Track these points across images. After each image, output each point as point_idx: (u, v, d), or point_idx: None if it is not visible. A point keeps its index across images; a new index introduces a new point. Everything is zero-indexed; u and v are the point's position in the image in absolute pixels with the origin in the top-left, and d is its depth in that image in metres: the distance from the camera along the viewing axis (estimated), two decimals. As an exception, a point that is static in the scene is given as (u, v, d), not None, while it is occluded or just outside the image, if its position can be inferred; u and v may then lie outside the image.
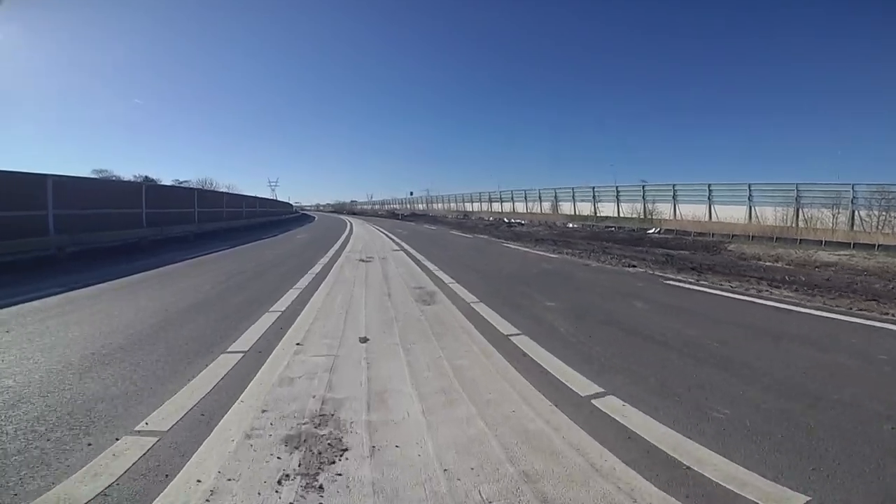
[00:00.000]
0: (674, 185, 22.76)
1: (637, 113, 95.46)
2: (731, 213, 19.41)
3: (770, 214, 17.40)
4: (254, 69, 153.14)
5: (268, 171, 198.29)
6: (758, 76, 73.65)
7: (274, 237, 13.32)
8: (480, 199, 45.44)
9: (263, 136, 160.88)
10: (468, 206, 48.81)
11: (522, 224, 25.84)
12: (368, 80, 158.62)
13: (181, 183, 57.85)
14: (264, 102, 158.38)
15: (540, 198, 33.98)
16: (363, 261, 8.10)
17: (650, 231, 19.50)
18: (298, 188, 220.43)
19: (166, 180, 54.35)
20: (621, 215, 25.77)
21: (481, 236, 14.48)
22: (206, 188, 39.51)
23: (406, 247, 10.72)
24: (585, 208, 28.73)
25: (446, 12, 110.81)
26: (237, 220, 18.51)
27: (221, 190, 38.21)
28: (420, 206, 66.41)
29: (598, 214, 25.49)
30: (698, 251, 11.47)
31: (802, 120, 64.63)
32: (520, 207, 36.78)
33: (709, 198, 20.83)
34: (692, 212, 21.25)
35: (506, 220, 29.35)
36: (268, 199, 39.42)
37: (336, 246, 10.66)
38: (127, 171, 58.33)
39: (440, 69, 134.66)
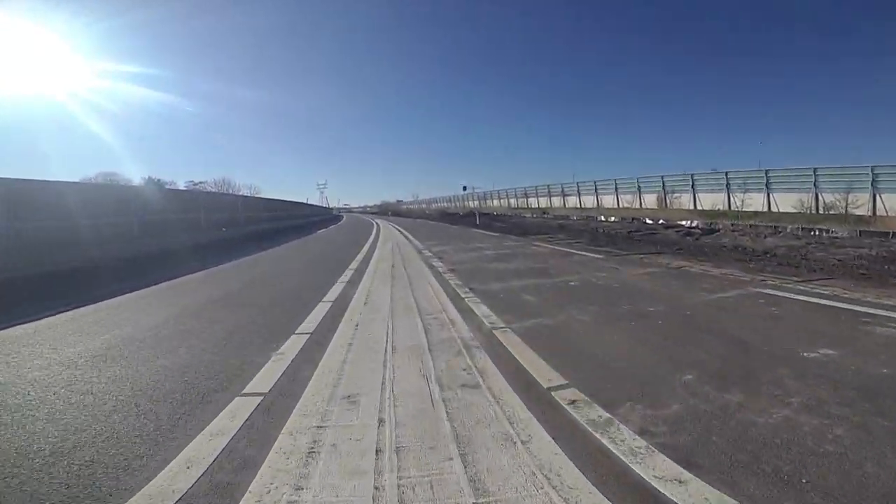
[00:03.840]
0: (872, 168, 16.55)
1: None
2: None
3: None
4: (294, 70, 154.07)
5: (317, 174, 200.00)
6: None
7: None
8: (550, 192, 39.96)
9: (313, 142, 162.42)
10: (532, 202, 43.54)
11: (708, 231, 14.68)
12: (414, 81, 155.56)
13: (196, 185, 55.12)
14: (313, 106, 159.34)
15: (639, 189, 28.26)
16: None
17: None
18: (348, 189, 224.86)
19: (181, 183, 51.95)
20: (773, 209, 19.79)
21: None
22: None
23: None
24: (708, 201, 22.84)
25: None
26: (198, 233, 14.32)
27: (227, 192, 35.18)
28: (471, 203, 61.75)
29: (741, 209, 19.62)
30: None
31: None
32: (607, 202, 31.14)
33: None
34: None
35: (649, 220, 22.45)
36: (277, 201, 34.14)
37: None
38: (137, 173, 55.65)
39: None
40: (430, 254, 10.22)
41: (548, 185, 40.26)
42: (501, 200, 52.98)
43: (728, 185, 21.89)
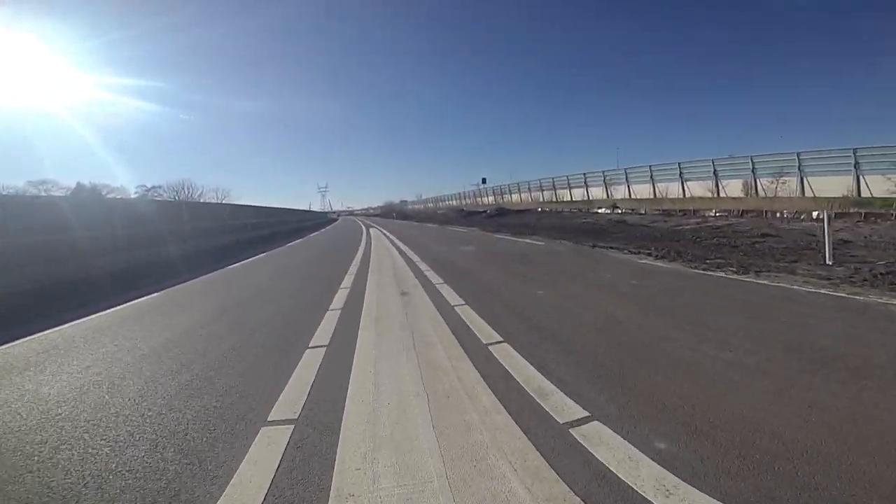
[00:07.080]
0: None
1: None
2: None
3: None
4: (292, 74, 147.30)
5: (319, 178, 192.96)
6: None
7: None
8: (586, 182, 35.42)
9: (315, 147, 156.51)
10: (563, 194, 39.02)
11: None
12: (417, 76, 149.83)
13: (149, 190, 45.90)
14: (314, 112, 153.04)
15: (715, 174, 23.89)
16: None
17: None
18: (351, 192, 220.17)
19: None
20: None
21: None
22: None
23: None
24: (830, 186, 18.47)
25: None
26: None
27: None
28: (485, 199, 57.11)
29: (858, 195, 15.23)
30: None
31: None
32: (673, 190, 26.65)
33: None
34: None
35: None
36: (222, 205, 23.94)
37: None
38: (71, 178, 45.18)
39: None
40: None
41: (584, 174, 35.76)
42: (520, 194, 48.21)
43: (857, 164, 17.55)
